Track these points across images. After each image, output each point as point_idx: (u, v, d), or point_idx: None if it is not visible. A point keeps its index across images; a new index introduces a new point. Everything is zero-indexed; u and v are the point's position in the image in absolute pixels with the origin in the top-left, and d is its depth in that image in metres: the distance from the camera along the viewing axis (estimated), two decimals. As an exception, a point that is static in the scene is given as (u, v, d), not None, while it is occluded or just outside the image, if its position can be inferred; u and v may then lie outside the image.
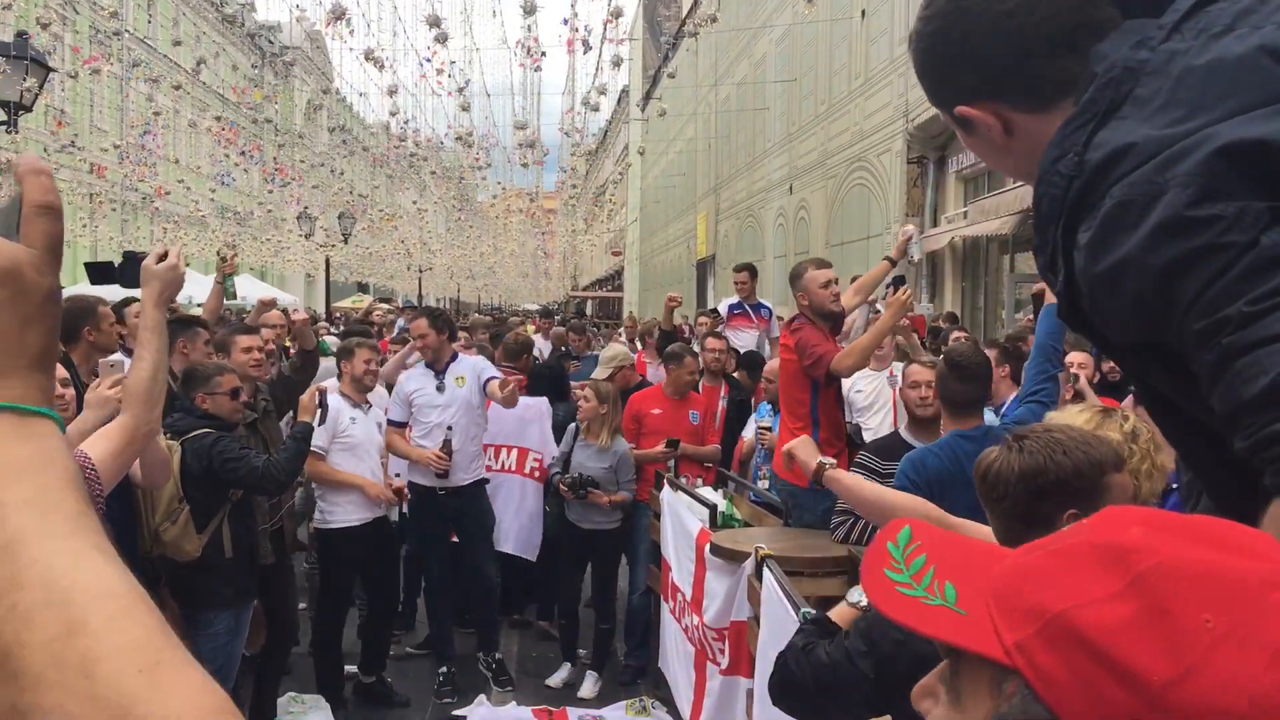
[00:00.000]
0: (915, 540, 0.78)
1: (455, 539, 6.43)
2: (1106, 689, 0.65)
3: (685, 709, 5.26)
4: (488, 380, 6.24)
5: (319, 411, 5.14)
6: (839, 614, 2.01)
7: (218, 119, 23.03)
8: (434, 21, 13.57)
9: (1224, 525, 0.72)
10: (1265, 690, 0.62)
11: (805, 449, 3.02)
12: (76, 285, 12.39)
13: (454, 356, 6.37)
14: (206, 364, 4.85)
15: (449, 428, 6.09)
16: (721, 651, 4.67)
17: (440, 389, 6.23)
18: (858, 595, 1.97)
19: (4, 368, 0.64)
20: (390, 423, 6.29)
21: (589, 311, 44.93)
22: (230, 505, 4.58)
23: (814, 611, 1.99)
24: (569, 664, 6.51)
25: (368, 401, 6.02)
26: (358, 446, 5.86)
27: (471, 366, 6.37)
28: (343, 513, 5.82)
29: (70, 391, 3.84)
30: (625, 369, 7.41)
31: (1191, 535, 0.69)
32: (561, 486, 6.22)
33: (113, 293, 5.02)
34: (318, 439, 5.66)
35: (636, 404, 6.78)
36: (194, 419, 4.53)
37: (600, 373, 7.36)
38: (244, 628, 4.69)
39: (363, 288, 48.81)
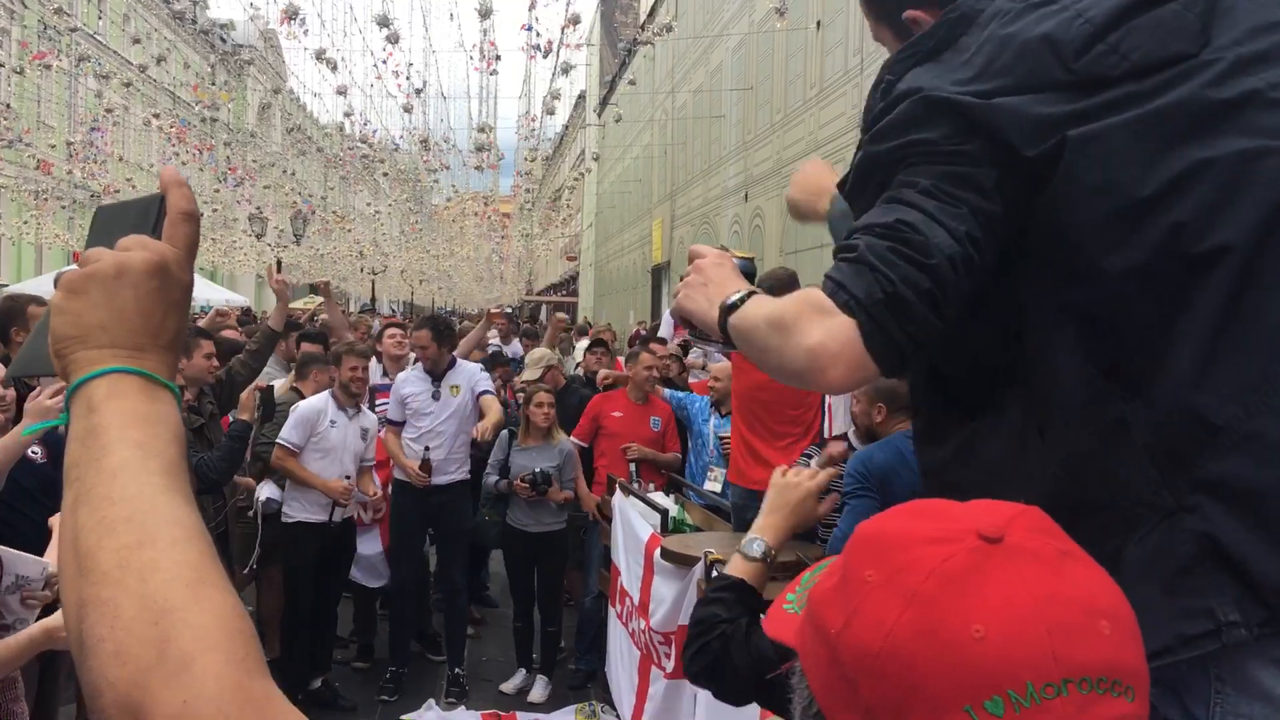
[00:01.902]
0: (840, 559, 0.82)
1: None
2: (817, 648, 0.74)
3: (626, 713, 5.27)
4: (481, 393, 6.38)
5: (259, 410, 5.14)
6: (736, 567, 1.97)
7: (157, 116, 22.69)
8: (383, 21, 13.48)
9: (974, 503, 0.79)
10: (897, 629, 0.68)
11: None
12: (20, 283, 12.19)
13: (452, 363, 6.45)
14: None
15: (427, 448, 6.21)
16: (668, 655, 4.68)
17: (436, 396, 6.32)
18: (757, 547, 1.97)
19: (146, 345, 0.79)
20: (388, 421, 6.44)
21: (542, 316, 44.86)
22: None
23: (723, 571, 1.95)
24: (523, 669, 6.48)
25: (357, 407, 6.09)
26: (331, 450, 5.96)
27: (468, 376, 6.47)
28: (300, 508, 5.94)
29: (10, 392, 3.78)
30: (555, 369, 7.45)
31: (922, 510, 0.77)
32: (521, 484, 6.17)
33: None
34: (291, 436, 5.87)
35: (598, 404, 6.78)
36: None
37: (530, 374, 7.41)
38: None
39: (314, 289, 48.23)
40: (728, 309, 1.46)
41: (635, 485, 6.21)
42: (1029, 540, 0.72)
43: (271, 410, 5.43)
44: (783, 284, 6.01)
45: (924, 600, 0.68)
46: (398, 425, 6.41)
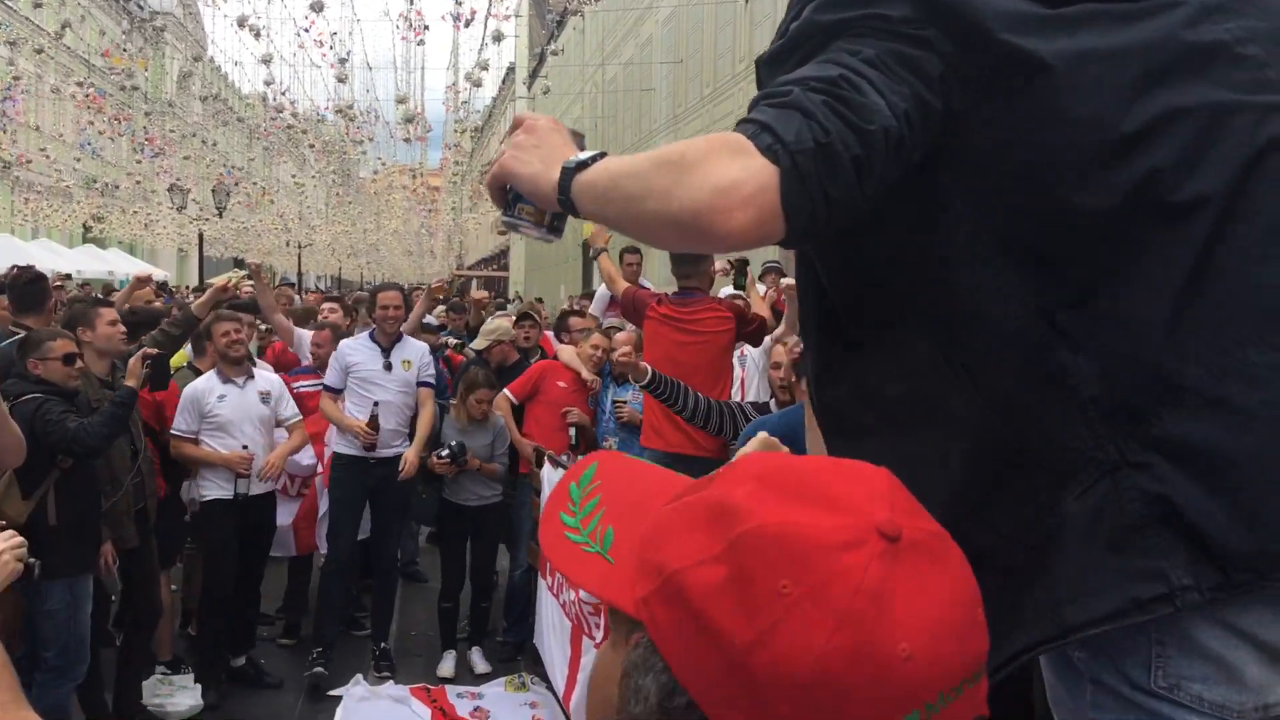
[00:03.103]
0: (596, 479, 0.80)
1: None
2: (702, 649, 0.66)
3: (559, 684, 5.29)
4: (421, 383, 6.33)
5: (149, 377, 5.00)
6: None
7: (79, 84, 21.99)
8: (308, -13, 13.20)
9: (831, 469, 0.73)
10: (828, 654, 0.63)
11: None
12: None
13: (399, 337, 6.34)
14: (41, 330, 4.78)
15: (375, 403, 6.09)
16: (597, 625, 4.70)
17: (389, 368, 6.21)
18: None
19: None
20: (325, 388, 6.28)
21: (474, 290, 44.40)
22: (60, 473, 4.47)
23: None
24: (451, 651, 6.37)
25: (247, 374, 5.90)
26: (228, 424, 5.77)
27: (419, 355, 6.40)
28: (212, 486, 5.77)
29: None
30: (504, 344, 7.36)
31: (795, 489, 0.71)
32: (436, 461, 6.10)
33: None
34: (182, 424, 5.69)
35: (542, 370, 6.70)
36: (27, 384, 4.47)
37: (479, 343, 7.33)
38: (84, 602, 4.56)
39: (239, 263, 47.21)
40: (574, 167, 1.26)
41: (573, 453, 6.22)
42: (914, 531, 0.69)
43: (163, 378, 5.22)
44: (690, 255, 6.05)
45: (854, 622, 0.64)
46: (336, 392, 6.26)
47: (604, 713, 0.75)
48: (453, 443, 6.14)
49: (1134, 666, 1.17)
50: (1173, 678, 1.15)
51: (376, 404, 6.11)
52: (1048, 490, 1.20)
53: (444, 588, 6.46)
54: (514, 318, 8.34)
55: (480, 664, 6.31)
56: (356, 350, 6.33)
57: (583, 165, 1.27)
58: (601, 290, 8.68)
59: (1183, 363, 1.16)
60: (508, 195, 1.41)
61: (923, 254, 1.28)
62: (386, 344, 6.29)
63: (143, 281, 7.05)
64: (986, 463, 1.24)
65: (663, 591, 0.69)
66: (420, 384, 6.34)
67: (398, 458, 6.16)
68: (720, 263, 7.57)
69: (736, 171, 1.14)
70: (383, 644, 6.32)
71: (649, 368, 4.54)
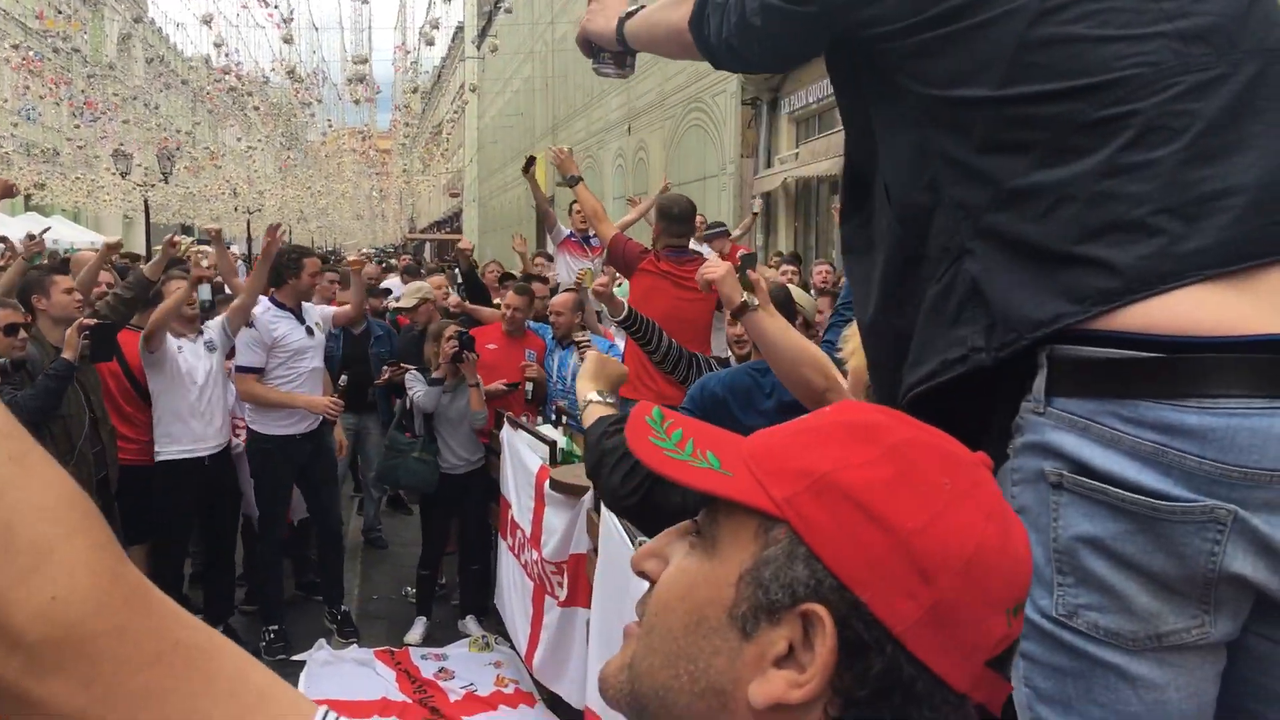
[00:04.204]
0: (668, 419, 0.88)
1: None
2: (865, 534, 0.77)
3: (522, 643, 5.34)
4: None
5: (90, 349, 4.92)
6: (599, 411, 2.18)
7: (14, 48, 21.42)
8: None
9: (927, 425, 0.87)
10: (984, 539, 0.78)
11: (730, 281, 2.84)
12: None
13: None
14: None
15: (345, 368, 6.06)
16: (560, 585, 4.74)
17: (311, 333, 6.09)
18: (599, 395, 2.22)
19: None
20: (241, 369, 5.91)
21: (428, 255, 44.11)
22: None
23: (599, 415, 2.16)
24: (424, 618, 6.32)
25: (197, 331, 5.79)
26: (186, 374, 5.65)
27: (320, 314, 6.33)
28: (169, 444, 5.65)
29: None
30: (430, 303, 7.34)
31: (913, 422, 0.85)
32: (449, 343, 6.01)
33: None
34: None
35: (472, 335, 6.68)
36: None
37: (405, 303, 7.31)
38: None
39: (186, 230, 46.50)
40: (625, 17, 1.92)
41: (530, 408, 6.23)
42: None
43: (106, 351, 5.08)
44: (685, 215, 6.07)
45: (999, 517, 0.80)
46: (256, 372, 5.86)
47: (687, 620, 0.81)
48: (461, 330, 6.10)
49: (1043, 596, 1.26)
50: (1070, 606, 1.23)
51: (346, 374, 6.02)
52: (927, 281, 1.42)
53: (424, 555, 6.43)
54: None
55: (475, 630, 6.24)
56: (276, 323, 5.97)
57: (630, 15, 1.92)
58: (559, 230, 8.67)
59: (997, 163, 1.35)
60: (592, 49, 2.09)
61: (862, 104, 1.59)
62: (297, 307, 6.08)
63: (113, 248, 6.89)
64: (895, 265, 1.50)
65: (813, 489, 0.78)
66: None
67: (323, 428, 6.11)
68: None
69: (685, 11, 1.69)
70: (343, 608, 6.32)
71: (625, 303, 4.56)
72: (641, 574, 0.87)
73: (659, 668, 0.82)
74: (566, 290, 7.03)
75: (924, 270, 1.43)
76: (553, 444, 5.29)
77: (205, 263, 6.27)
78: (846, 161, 1.71)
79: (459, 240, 9.55)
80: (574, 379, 6.37)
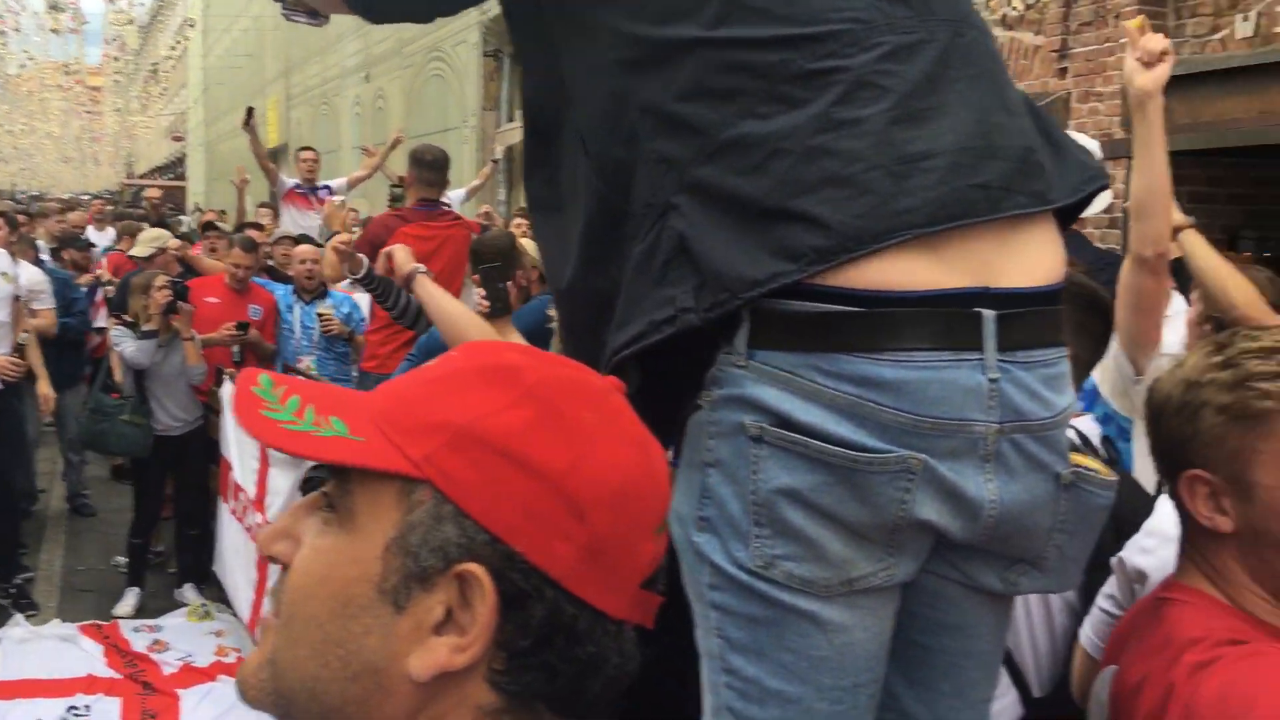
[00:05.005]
0: (280, 385, 0.81)
1: None
2: (514, 482, 0.75)
3: (245, 610, 5.13)
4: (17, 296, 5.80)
5: None
6: None
7: None
8: None
9: (558, 356, 0.90)
10: (631, 467, 0.79)
11: (403, 252, 3.10)
12: None
13: None
14: None
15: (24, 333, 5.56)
16: (285, 547, 4.56)
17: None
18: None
19: None
20: None
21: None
22: None
23: None
24: (136, 589, 5.95)
25: None
26: None
27: (4, 262, 5.87)
28: None
29: None
30: (168, 254, 6.87)
31: (546, 356, 0.84)
32: (160, 291, 5.63)
33: None
34: None
35: (193, 290, 6.29)
36: None
37: (140, 251, 6.84)
38: None
39: None
40: None
41: (239, 369, 5.91)
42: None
43: None
44: (439, 164, 5.80)
45: (641, 442, 0.81)
46: None
47: (331, 604, 0.75)
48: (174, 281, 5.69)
49: (739, 549, 1.26)
50: (768, 557, 1.24)
51: (25, 333, 5.52)
52: (631, 239, 1.34)
53: (136, 522, 6.03)
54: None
55: (194, 598, 5.92)
56: None
57: None
58: (283, 182, 8.27)
59: (702, 111, 1.29)
60: None
61: (550, 50, 1.46)
62: None
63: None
64: (596, 223, 1.41)
65: (453, 443, 0.75)
66: (16, 297, 5.81)
67: (6, 385, 5.67)
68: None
69: None
70: (18, 580, 5.86)
71: (365, 259, 4.39)
72: (272, 558, 0.80)
73: (305, 659, 0.76)
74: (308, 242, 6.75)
75: (628, 228, 1.35)
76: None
77: None
78: (527, 110, 1.60)
79: (182, 186, 8.99)
80: (320, 335, 6.17)
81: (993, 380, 1.24)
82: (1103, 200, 2.45)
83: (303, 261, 6.30)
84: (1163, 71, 2.34)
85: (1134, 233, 2.42)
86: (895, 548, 1.26)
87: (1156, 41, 2.38)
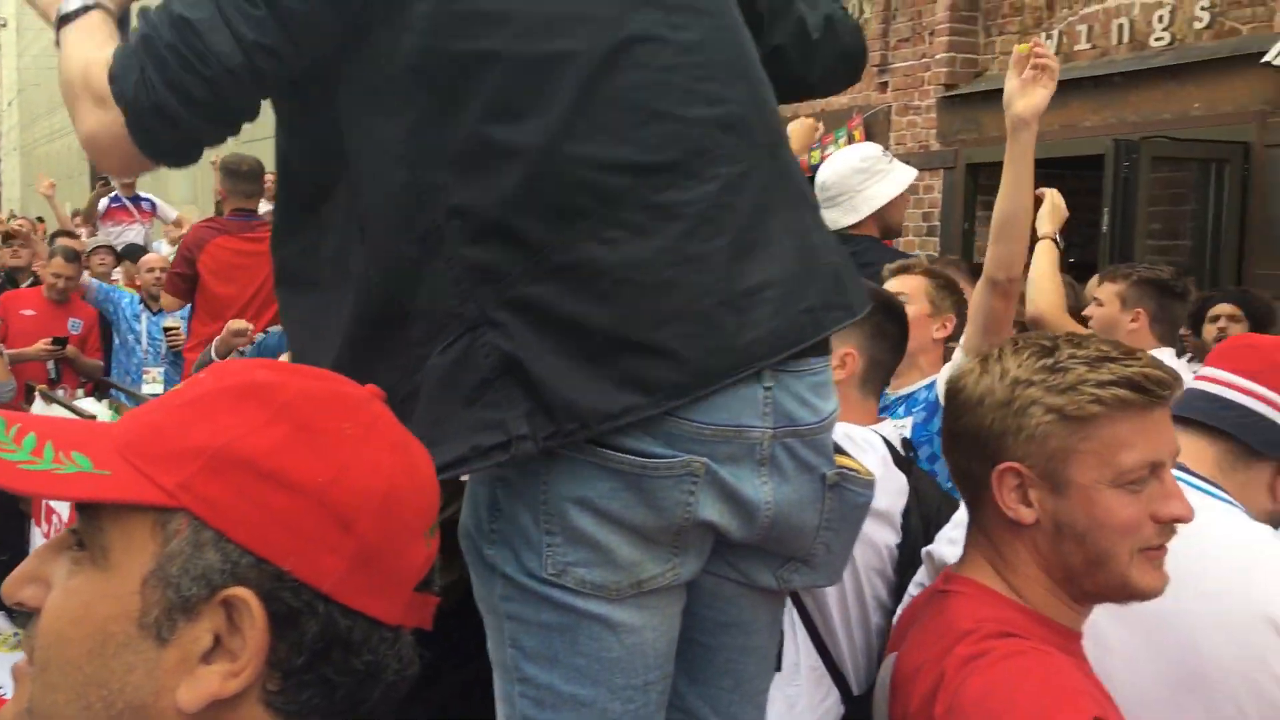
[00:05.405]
0: (14, 424, 0.78)
1: None
2: (276, 500, 0.75)
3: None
4: None
5: None
6: None
7: None
8: None
9: (314, 369, 0.88)
10: (394, 473, 0.79)
11: None
12: None
13: None
14: None
15: None
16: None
17: None
18: None
19: None
20: None
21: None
22: None
23: None
24: None
25: None
26: None
27: None
28: None
29: None
30: None
31: (301, 371, 0.84)
32: None
33: None
34: None
35: (6, 303, 6.05)
36: None
37: None
38: None
39: None
40: (62, 18, 1.38)
41: (59, 390, 5.63)
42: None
43: None
44: (254, 173, 5.53)
45: (402, 447, 0.81)
46: None
47: (90, 645, 0.73)
48: None
49: (531, 558, 1.28)
50: (560, 565, 1.27)
51: None
52: (421, 345, 1.28)
53: None
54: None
55: (5, 627, 5.57)
56: None
57: (65, 19, 1.37)
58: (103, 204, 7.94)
59: (537, 226, 1.25)
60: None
61: (328, 121, 1.34)
62: None
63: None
64: (370, 318, 1.32)
65: (210, 467, 0.74)
66: None
67: None
68: None
69: (93, 124, 1.29)
70: None
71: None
72: (19, 605, 0.77)
73: (65, 704, 0.73)
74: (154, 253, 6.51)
75: (414, 330, 1.28)
76: (92, 419, 4.83)
77: None
78: (284, 171, 1.45)
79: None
80: (168, 349, 5.87)
81: (767, 388, 1.30)
82: None
83: (150, 270, 6.07)
84: (1041, 99, 2.30)
85: (990, 255, 2.39)
86: (681, 548, 1.30)
87: (1049, 59, 2.33)
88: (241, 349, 4.32)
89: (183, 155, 1.32)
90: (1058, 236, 3.04)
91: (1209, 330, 4.54)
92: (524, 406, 1.22)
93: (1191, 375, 1.79)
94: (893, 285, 2.80)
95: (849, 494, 1.40)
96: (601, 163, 1.25)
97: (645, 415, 1.22)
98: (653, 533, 1.27)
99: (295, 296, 1.45)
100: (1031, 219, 2.53)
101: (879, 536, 1.89)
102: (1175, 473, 1.40)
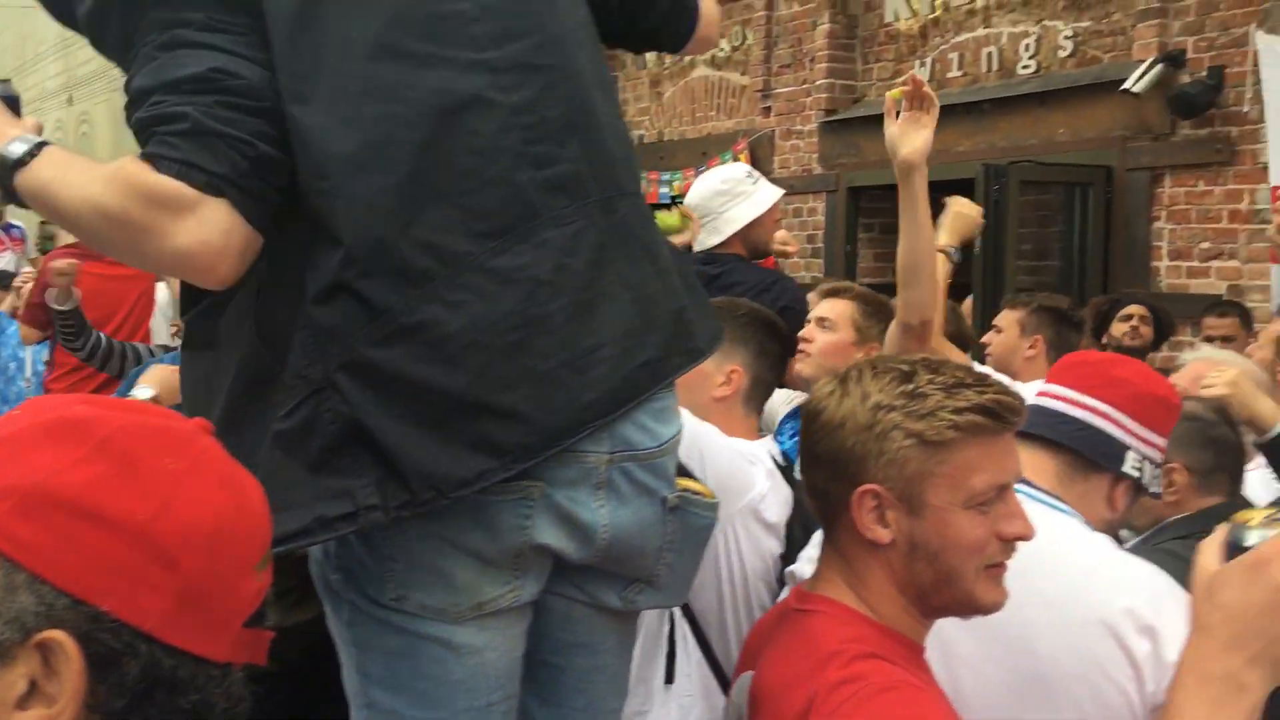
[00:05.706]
0: None
1: None
2: (92, 539, 0.73)
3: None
4: None
5: None
6: None
7: None
8: None
9: (139, 403, 0.88)
10: (221, 508, 0.78)
11: None
12: None
13: None
14: None
15: None
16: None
17: None
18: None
19: None
20: None
21: None
22: None
23: None
24: None
25: None
26: None
27: None
28: None
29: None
30: None
31: (124, 406, 0.83)
32: None
33: None
34: None
35: None
36: None
37: None
38: None
39: None
40: (11, 165, 1.24)
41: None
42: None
43: None
44: None
45: (230, 483, 0.80)
46: None
47: None
48: None
49: (372, 585, 1.29)
50: (401, 589, 1.28)
51: None
52: (275, 408, 1.26)
53: None
54: None
55: None
56: None
57: (19, 164, 1.24)
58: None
59: (381, 289, 1.24)
60: None
61: None
62: None
63: None
64: (244, 380, 1.31)
65: (21, 508, 0.72)
66: None
67: None
68: None
69: (193, 235, 1.18)
70: None
71: (74, 296, 4.22)
72: None
73: None
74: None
75: (274, 394, 1.26)
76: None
77: None
78: None
79: None
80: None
81: None
82: None
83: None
84: (924, 140, 2.26)
85: (901, 300, 2.34)
86: (520, 571, 1.32)
87: (927, 91, 2.30)
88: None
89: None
90: (953, 249, 3.00)
91: (1119, 328, 4.77)
92: (374, 474, 1.21)
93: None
94: (820, 309, 2.83)
95: (691, 516, 1.43)
96: (439, 227, 1.26)
97: (498, 479, 1.23)
98: (491, 556, 1.29)
99: (189, 359, 1.42)
100: (935, 262, 2.47)
101: (766, 546, 1.94)
102: (1019, 486, 1.45)
